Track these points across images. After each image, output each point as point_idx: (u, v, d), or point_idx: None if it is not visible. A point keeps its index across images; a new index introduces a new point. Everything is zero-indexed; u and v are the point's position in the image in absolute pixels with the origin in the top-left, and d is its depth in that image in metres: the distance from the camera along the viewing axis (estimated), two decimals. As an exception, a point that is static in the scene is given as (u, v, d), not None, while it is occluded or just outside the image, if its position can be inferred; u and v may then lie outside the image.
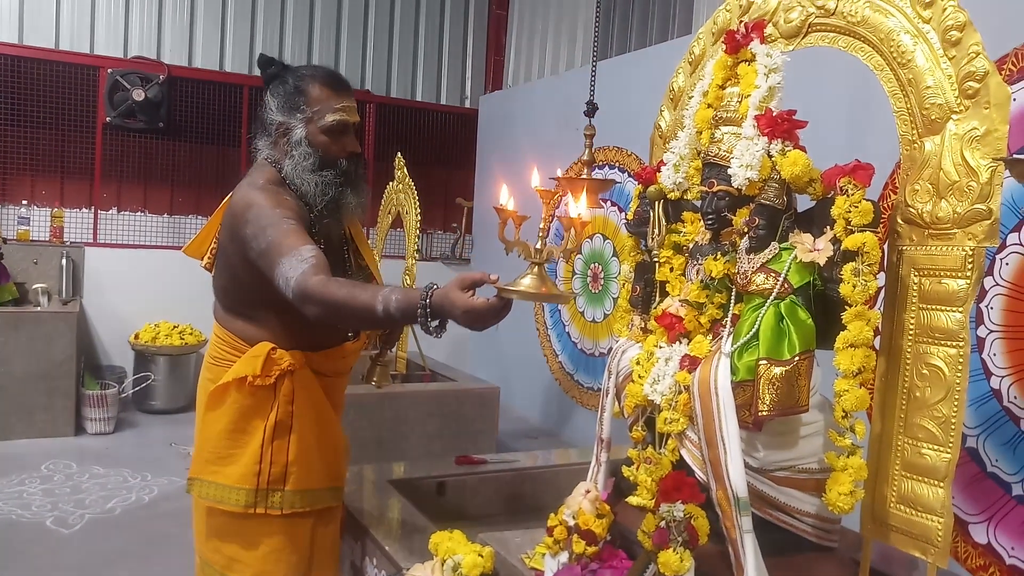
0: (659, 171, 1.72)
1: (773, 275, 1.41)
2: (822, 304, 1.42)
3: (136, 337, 5.31)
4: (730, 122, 1.54)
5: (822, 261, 1.37)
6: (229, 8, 6.10)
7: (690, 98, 1.75)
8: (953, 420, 1.31)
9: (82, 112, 5.55)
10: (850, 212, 1.33)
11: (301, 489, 1.76)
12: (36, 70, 5.41)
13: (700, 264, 1.57)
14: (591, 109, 2.17)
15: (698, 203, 1.63)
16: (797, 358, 1.35)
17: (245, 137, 5.88)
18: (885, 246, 1.41)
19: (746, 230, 1.46)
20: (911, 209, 1.38)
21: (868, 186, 1.34)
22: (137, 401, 5.31)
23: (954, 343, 1.31)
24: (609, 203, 4.86)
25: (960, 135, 1.31)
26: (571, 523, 1.59)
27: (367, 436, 3.60)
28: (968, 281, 1.30)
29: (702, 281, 1.56)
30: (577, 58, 5.97)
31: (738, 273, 1.48)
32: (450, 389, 4.04)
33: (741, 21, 1.65)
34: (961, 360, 1.30)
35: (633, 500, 1.56)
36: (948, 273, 1.33)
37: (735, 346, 1.41)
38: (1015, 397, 2.51)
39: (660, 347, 1.59)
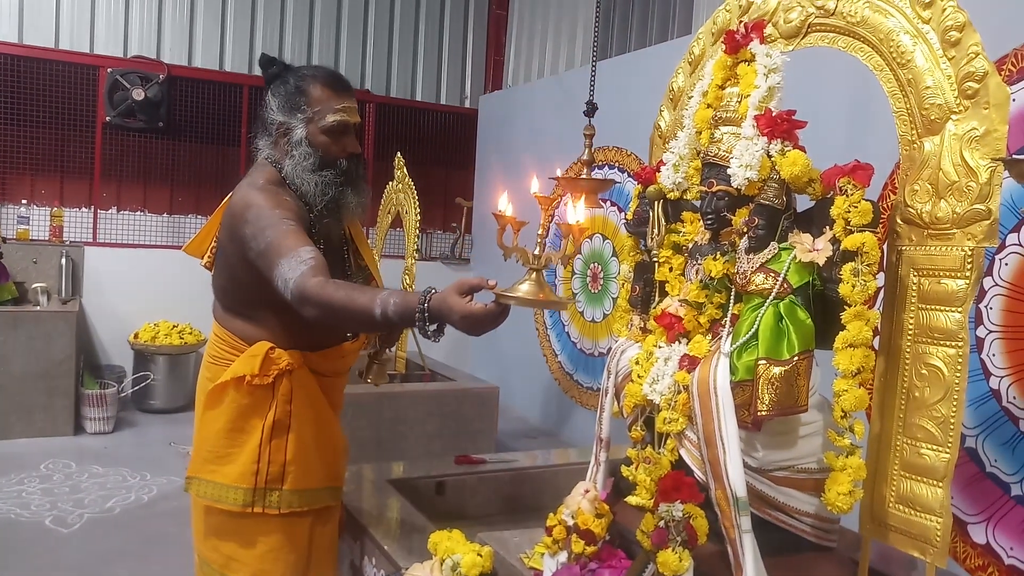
0: (659, 171, 1.72)
1: (772, 275, 1.41)
2: (821, 304, 1.42)
3: (135, 336, 5.31)
4: (730, 122, 1.54)
5: (821, 261, 1.37)
6: (229, 7, 6.10)
7: (690, 98, 1.75)
8: (952, 420, 1.31)
9: (82, 111, 5.55)
10: (849, 212, 1.33)
11: (299, 489, 1.76)
12: (36, 69, 5.41)
13: (699, 264, 1.57)
14: (591, 109, 2.17)
15: (697, 203, 1.63)
16: (796, 358, 1.35)
17: (245, 137, 5.89)
18: (884, 246, 1.41)
19: (745, 230, 1.46)
20: (910, 209, 1.38)
21: (867, 186, 1.34)
22: (136, 400, 5.31)
23: (953, 343, 1.31)
24: (609, 203, 4.86)
25: (959, 135, 1.31)
26: (570, 523, 1.59)
27: (366, 436, 3.60)
28: (967, 281, 1.30)
29: (701, 281, 1.56)
30: (577, 58, 5.97)
31: (737, 273, 1.48)
32: (449, 389, 4.04)
33: (741, 21, 1.65)
34: (960, 360, 1.30)
35: (632, 500, 1.57)
36: (947, 273, 1.33)
37: (734, 346, 1.41)
38: (1014, 397, 2.51)
39: (659, 347, 1.59)
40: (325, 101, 1.73)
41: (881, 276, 1.40)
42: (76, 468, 4.15)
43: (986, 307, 2.60)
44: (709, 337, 1.53)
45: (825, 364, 1.38)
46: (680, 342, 1.56)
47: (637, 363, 1.62)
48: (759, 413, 1.35)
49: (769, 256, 1.43)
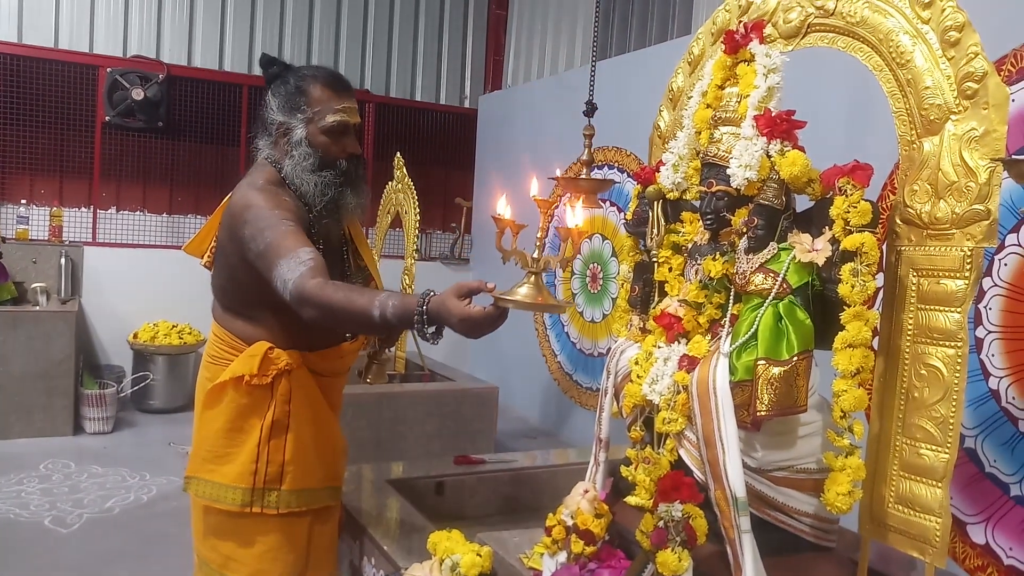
0: (658, 171, 1.72)
1: (772, 275, 1.41)
2: (821, 304, 1.42)
3: (135, 336, 5.31)
4: (729, 122, 1.54)
5: (821, 261, 1.37)
6: (228, 7, 6.10)
7: (689, 98, 1.75)
8: (951, 420, 1.31)
9: (81, 111, 5.55)
10: (849, 212, 1.33)
11: (297, 489, 1.76)
12: (35, 69, 5.40)
13: (699, 264, 1.57)
14: (590, 109, 2.17)
15: (697, 203, 1.63)
16: (795, 358, 1.35)
17: (244, 136, 5.89)
18: (884, 246, 1.41)
19: (745, 230, 1.46)
20: (910, 209, 1.38)
21: (867, 186, 1.34)
22: (136, 400, 5.30)
23: (952, 343, 1.31)
24: (608, 203, 4.86)
25: (959, 135, 1.31)
26: (569, 523, 1.59)
27: (366, 436, 3.60)
28: (966, 281, 1.30)
29: (701, 281, 1.56)
30: (576, 58, 5.97)
31: (737, 273, 1.48)
32: (449, 389, 4.04)
33: (740, 21, 1.65)
34: (959, 360, 1.30)
35: (631, 500, 1.57)
36: (946, 273, 1.33)
37: (734, 346, 1.41)
38: (1013, 398, 2.51)
39: (659, 347, 1.59)
40: (325, 101, 1.73)
41: (880, 276, 1.40)
42: (75, 468, 4.15)
43: (985, 307, 2.60)
44: (708, 337, 1.53)
45: (824, 364, 1.38)
46: (679, 342, 1.56)
47: (636, 363, 1.62)
48: (758, 413, 1.35)
49: (768, 256, 1.43)
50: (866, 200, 1.33)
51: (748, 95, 1.51)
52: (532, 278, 1.34)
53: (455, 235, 6.85)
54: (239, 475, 1.73)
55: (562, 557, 1.58)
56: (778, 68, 1.50)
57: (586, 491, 1.62)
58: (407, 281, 4.29)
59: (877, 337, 1.41)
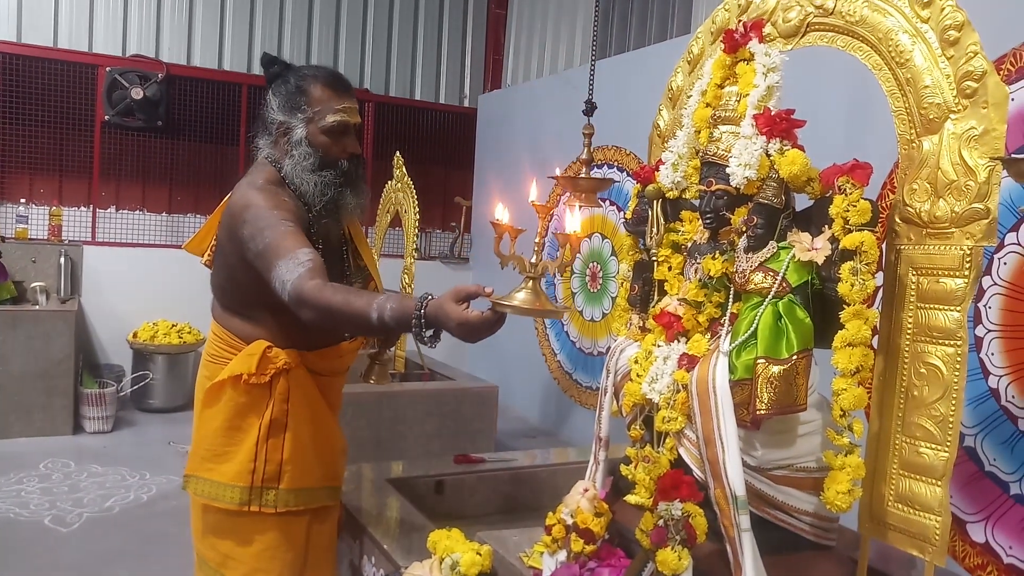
0: (657, 170, 1.72)
1: (771, 274, 1.41)
2: (820, 303, 1.42)
3: (134, 336, 5.31)
4: (728, 121, 1.54)
5: (820, 260, 1.37)
6: (228, 6, 6.10)
7: (688, 97, 1.75)
8: (951, 419, 1.31)
9: (80, 110, 5.55)
10: (848, 211, 1.33)
11: (296, 488, 1.76)
12: (35, 68, 5.40)
13: (698, 263, 1.57)
14: (590, 108, 2.17)
15: (696, 202, 1.63)
16: (795, 357, 1.35)
17: (244, 136, 5.89)
18: (883, 245, 1.41)
19: (744, 229, 1.46)
20: (909, 208, 1.38)
21: (866, 185, 1.34)
22: (135, 400, 5.30)
23: (952, 342, 1.32)
24: (608, 202, 4.86)
25: (958, 134, 1.31)
26: (569, 522, 1.59)
27: (366, 435, 3.60)
28: (966, 280, 1.30)
29: (700, 280, 1.56)
30: (576, 57, 5.97)
31: (736, 272, 1.48)
32: (449, 388, 4.04)
33: (740, 20, 1.65)
34: (959, 359, 1.31)
35: (631, 499, 1.57)
36: (946, 272, 1.33)
37: (733, 345, 1.41)
38: (1013, 396, 2.52)
39: (658, 346, 1.59)
40: (326, 101, 1.73)
41: (880, 275, 1.40)
42: (75, 467, 4.15)
43: (985, 306, 2.60)
44: (708, 336, 1.53)
45: (824, 363, 1.38)
46: (679, 341, 1.56)
47: (636, 362, 1.62)
48: (758, 412, 1.35)
49: (768, 255, 1.43)
50: (865, 199, 1.33)
51: (747, 94, 1.51)
52: (530, 283, 1.34)
53: (455, 234, 6.85)
54: (237, 474, 1.73)
55: (562, 556, 1.58)
56: (777, 67, 1.50)
57: (586, 490, 1.63)
58: (407, 280, 4.29)
59: (877, 336, 1.41)
